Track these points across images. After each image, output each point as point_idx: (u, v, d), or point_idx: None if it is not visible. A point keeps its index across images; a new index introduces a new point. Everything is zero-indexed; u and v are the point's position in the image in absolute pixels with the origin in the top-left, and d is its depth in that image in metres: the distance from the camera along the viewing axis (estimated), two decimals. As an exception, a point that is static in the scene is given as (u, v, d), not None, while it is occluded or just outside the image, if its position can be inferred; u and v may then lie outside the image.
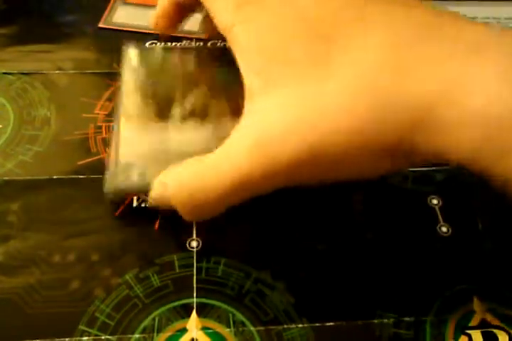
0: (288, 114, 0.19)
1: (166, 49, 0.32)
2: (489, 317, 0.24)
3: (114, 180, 0.25)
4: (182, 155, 0.23)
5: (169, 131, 0.27)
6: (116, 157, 0.26)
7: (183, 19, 0.31)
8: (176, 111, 0.27)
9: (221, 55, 0.31)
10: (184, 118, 0.27)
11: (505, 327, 0.24)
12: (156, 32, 0.32)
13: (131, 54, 0.31)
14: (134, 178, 0.25)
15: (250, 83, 0.20)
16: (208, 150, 0.22)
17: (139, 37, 0.35)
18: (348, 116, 0.18)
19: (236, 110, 0.23)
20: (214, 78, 0.29)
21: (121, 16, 0.36)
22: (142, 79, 0.29)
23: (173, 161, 0.23)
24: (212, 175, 0.20)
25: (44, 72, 0.32)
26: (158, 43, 0.34)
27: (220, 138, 0.22)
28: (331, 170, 0.20)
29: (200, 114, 0.27)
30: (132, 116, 0.27)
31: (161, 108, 0.27)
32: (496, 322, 0.24)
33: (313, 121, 0.18)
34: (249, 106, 0.21)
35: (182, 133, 0.26)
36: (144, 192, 0.25)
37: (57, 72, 0.33)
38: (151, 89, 0.28)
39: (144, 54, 0.31)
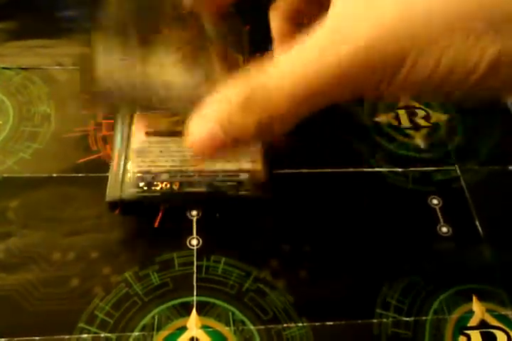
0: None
1: None
2: (488, 318, 0.24)
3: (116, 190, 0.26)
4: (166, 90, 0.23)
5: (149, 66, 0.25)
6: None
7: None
8: (163, 49, 0.25)
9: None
10: (171, 60, 0.25)
11: (504, 328, 0.24)
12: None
13: None
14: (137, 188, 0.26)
15: None
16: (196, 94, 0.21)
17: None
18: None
19: (223, 58, 0.23)
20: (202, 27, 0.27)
21: (122, 12, 0.36)
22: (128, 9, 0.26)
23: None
24: (288, 79, 0.17)
25: (43, 67, 0.32)
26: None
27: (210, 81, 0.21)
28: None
29: (188, 57, 0.25)
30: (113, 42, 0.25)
31: (144, 38, 0.25)
32: (494, 322, 0.24)
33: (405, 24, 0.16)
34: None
35: (167, 74, 0.25)
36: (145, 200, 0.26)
37: (56, 67, 0.32)
38: (136, 19, 0.26)
39: None
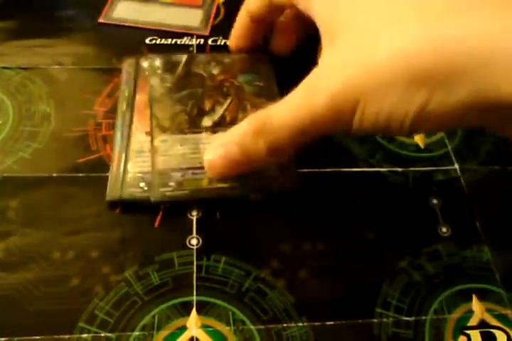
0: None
1: (187, 56, 0.32)
2: (488, 318, 0.24)
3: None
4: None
5: (203, 141, 0.28)
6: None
7: (261, 37, 0.32)
8: (207, 120, 0.29)
9: (242, 60, 0.32)
10: (214, 128, 0.28)
11: (504, 327, 0.24)
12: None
13: (155, 62, 0.31)
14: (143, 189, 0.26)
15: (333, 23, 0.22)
16: None
17: (139, 32, 0.35)
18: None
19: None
20: (238, 85, 0.30)
21: (122, 11, 0.36)
22: (168, 88, 0.30)
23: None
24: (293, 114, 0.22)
25: (43, 67, 0.32)
26: (158, 40, 0.34)
27: None
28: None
29: (228, 123, 0.28)
30: (164, 127, 0.28)
31: (191, 118, 0.29)
32: (494, 322, 0.24)
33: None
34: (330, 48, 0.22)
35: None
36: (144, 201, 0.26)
37: (56, 67, 0.32)
38: (179, 98, 0.29)
39: (164, 62, 0.31)
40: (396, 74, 0.19)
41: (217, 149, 0.25)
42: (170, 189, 0.26)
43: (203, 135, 0.28)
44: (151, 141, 0.27)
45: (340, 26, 0.21)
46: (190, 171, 0.26)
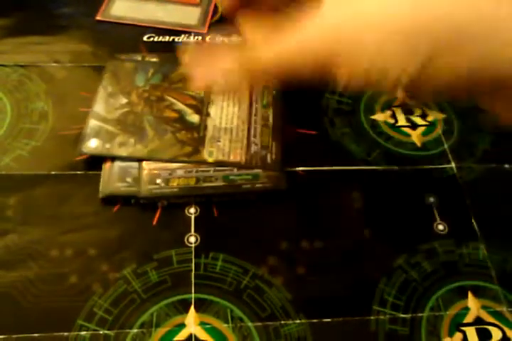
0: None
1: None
2: (483, 314, 0.24)
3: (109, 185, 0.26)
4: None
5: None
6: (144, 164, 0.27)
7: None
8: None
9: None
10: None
11: (499, 324, 0.24)
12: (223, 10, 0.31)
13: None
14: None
15: None
16: None
17: (136, 30, 0.35)
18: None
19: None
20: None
21: (119, 9, 0.36)
22: None
23: None
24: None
25: (41, 64, 0.32)
26: (156, 37, 0.34)
27: None
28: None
29: None
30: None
31: None
32: (489, 319, 0.24)
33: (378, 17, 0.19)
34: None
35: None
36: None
37: (54, 64, 0.32)
38: None
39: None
40: (407, 18, 0.19)
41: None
42: (157, 186, 0.26)
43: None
44: None
45: None
46: (178, 170, 0.27)
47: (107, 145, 0.27)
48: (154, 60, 0.32)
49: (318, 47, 0.21)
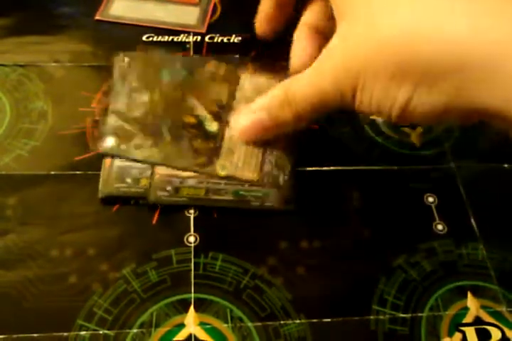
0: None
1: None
2: (483, 314, 0.24)
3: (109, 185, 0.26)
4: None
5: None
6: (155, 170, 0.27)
7: (285, 22, 0.30)
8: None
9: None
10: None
11: (499, 324, 0.24)
12: (259, 35, 0.31)
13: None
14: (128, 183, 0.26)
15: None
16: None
17: (136, 30, 0.35)
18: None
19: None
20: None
21: (119, 9, 0.36)
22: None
23: None
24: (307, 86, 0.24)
25: (40, 64, 0.32)
26: (155, 37, 0.34)
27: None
28: None
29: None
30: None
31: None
32: (489, 319, 0.24)
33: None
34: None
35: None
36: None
37: (53, 64, 0.32)
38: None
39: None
40: (382, 63, 0.20)
41: (248, 115, 0.26)
42: (167, 194, 0.26)
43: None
44: None
45: (346, 8, 0.22)
46: (189, 179, 0.26)
47: (123, 147, 0.27)
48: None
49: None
